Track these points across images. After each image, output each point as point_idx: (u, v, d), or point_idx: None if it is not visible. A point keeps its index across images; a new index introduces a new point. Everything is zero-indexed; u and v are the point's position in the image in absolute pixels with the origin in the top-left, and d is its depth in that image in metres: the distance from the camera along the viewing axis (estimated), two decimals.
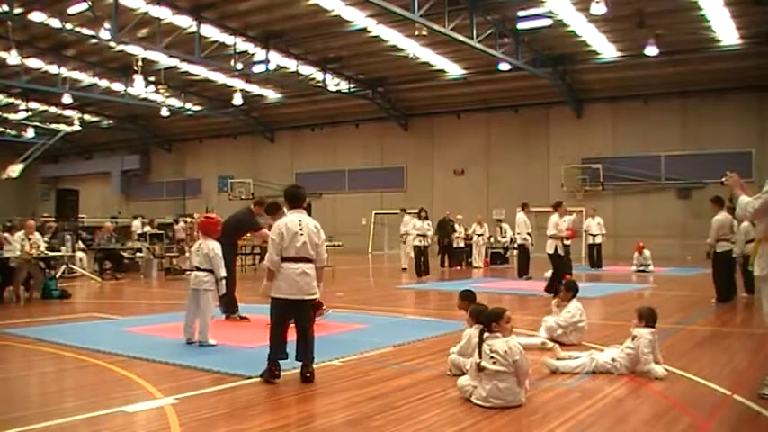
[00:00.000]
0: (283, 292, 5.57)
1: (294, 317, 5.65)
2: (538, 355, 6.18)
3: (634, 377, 5.57)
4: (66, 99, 29.14)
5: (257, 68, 24.47)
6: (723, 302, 10.73)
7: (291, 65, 25.04)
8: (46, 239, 13.98)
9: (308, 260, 5.65)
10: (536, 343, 6.74)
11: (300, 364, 5.58)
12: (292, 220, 5.67)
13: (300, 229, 5.62)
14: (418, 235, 16.71)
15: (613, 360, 5.71)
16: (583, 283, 11.38)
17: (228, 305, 8.84)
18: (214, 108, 32.48)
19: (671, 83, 24.15)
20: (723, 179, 5.26)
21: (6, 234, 11.98)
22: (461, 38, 19.13)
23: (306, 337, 5.62)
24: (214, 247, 7.16)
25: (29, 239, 11.69)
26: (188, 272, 12.00)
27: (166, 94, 28.55)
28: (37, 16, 19.49)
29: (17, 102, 32.50)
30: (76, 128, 35.14)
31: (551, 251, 11.68)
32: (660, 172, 25.26)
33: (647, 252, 18.31)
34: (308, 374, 5.51)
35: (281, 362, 5.54)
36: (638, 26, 19.74)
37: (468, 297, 6.24)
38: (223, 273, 7.18)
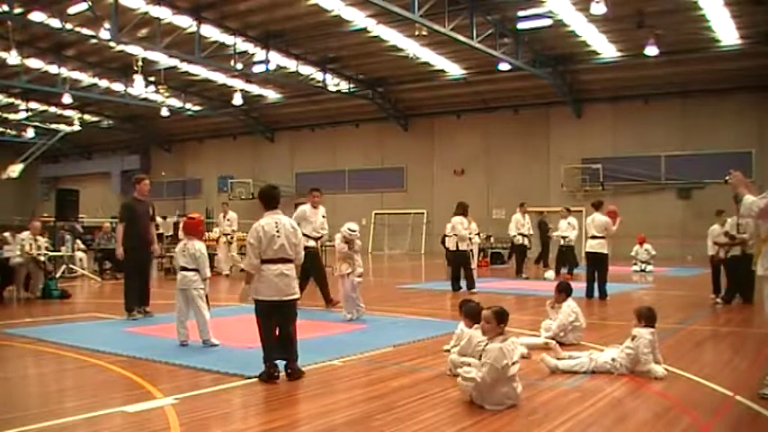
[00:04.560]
0: (263, 294, 5.60)
1: (277, 317, 5.66)
2: (537, 355, 6.18)
3: (634, 377, 5.57)
4: (66, 99, 29.11)
5: (257, 68, 24.47)
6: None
7: (291, 65, 25.02)
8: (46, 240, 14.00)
9: (287, 260, 5.66)
10: (538, 343, 6.76)
11: (284, 362, 5.59)
12: (269, 222, 5.67)
13: (277, 231, 5.64)
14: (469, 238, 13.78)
15: (613, 360, 5.71)
16: (582, 284, 11.38)
17: (137, 300, 9.06)
18: (214, 108, 32.47)
19: (671, 83, 24.14)
20: (727, 177, 5.24)
21: (7, 234, 11.99)
22: (461, 38, 19.12)
23: (288, 335, 5.63)
24: (200, 247, 7.22)
25: (35, 241, 11.74)
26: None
27: (166, 94, 28.53)
28: (37, 16, 19.48)
29: (17, 102, 32.49)
30: (76, 128, 35.12)
31: (606, 251, 11.34)
32: (660, 172, 25.25)
33: (647, 245, 18.29)
34: (290, 371, 5.52)
35: (277, 362, 5.54)
36: (638, 26, 19.73)
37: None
38: (208, 272, 7.27)
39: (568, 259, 16.48)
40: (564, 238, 16.45)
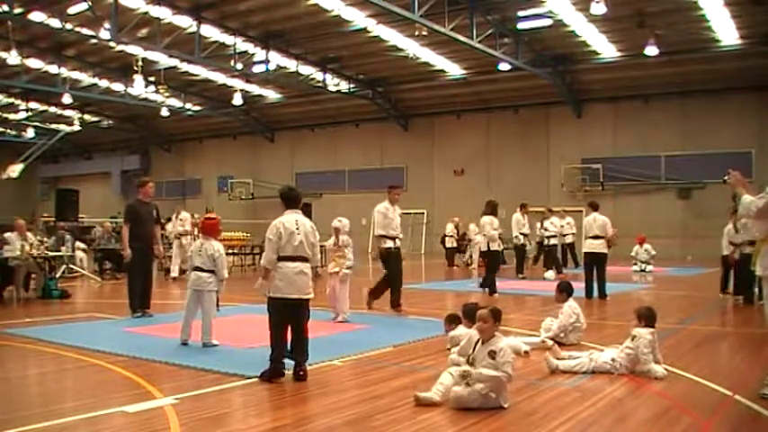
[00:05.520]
0: (282, 292, 5.60)
1: (291, 316, 5.66)
2: (536, 355, 6.18)
3: (634, 377, 5.57)
4: (66, 99, 29.15)
5: (257, 68, 24.48)
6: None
7: (291, 65, 25.03)
8: (46, 240, 14.00)
9: (305, 259, 5.70)
10: (537, 342, 6.76)
11: (293, 362, 5.59)
12: (289, 219, 5.72)
13: (297, 229, 5.68)
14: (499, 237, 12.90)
15: (613, 360, 5.71)
16: (581, 283, 11.38)
17: (138, 300, 9.21)
18: (214, 108, 32.48)
19: (671, 83, 24.14)
20: (725, 177, 5.25)
21: (7, 234, 11.98)
22: (461, 38, 19.12)
23: (301, 336, 5.64)
24: (219, 248, 7.20)
25: (25, 239, 11.73)
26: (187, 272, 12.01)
27: (166, 94, 28.54)
28: (37, 16, 19.50)
29: (17, 102, 32.50)
30: (76, 128, 35.13)
31: (605, 251, 11.40)
32: (660, 172, 25.26)
33: (647, 245, 18.28)
34: (302, 373, 5.53)
35: (287, 362, 5.55)
36: (638, 26, 19.73)
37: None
38: (226, 273, 7.31)
39: (554, 259, 16.64)
40: (548, 237, 16.68)
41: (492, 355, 4.75)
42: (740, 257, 10.50)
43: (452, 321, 6.75)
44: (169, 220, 20.36)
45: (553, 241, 16.81)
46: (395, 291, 9.83)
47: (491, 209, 12.64)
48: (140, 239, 9.30)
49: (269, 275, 5.70)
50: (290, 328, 5.66)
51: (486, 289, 12.14)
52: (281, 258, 5.63)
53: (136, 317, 9.09)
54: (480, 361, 4.80)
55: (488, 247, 12.46)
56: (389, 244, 9.58)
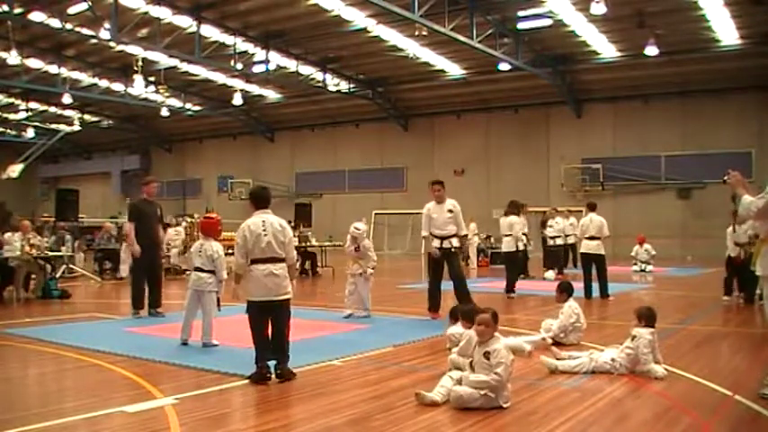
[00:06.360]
0: (253, 295, 5.58)
1: (270, 317, 5.64)
2: (539, 356, 6.18)
3: (634, 377, 5.57)
4: (66, 99, 29.12)
5: (257, 68, 24.46)
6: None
7: (291, 65, 25.02)
8: (45, 240, 14.01)
9: (277, 260, 5.62)
10: (536, 340, 6.77)
11: (275, 362, 5.56)
12: (255, 221, 5.67)
13: (264, 230, 5.61)
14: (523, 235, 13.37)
15: (613, 360, 5.71)
16: (582, 283, 11.37)
17: (141, 299, 9.23)
18: (214, 108, 32.47)
19: (671, 83, 24.15)
20: (725, 177, 5.24)
21: (8, 234, 12.00)
22: (461, 38, 19.12)
23: (279, 337, 5.61)
24: (218, 248, 7.21)
25: (28, 240, 11.77)
26: (188, 272, 12.01)
27: (166, 94, 28.52)
28: (37, 16, 19.48)
29: (17, 102, 32.48)
30: (76, 128, 35.11)
31: (603, 252, 11.43)
32: (660, 172, 25.26)
33: (647, 245, 18.27)
34: (279, 373, 5.48)
35: (269, 363, 5.54)
36: (638, 26, 19.73)
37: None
38: (225, 274, 7.29)
39: (556, 259, 16.63)
40: (552, 238, 16.69)
41: (486, 356, 4.79)
42: (745, 257, 10.45)
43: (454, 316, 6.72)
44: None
45: (558, 242, 16.77)
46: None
47: (516, 209, 12.59)
48: (146, 237, 9.27)
49: (239, 279, 5.71)
50: (271, 328, 5.65)
51: (508, 292, 12.03)
52: (252, 261, 5.59)
53: (137, 317, 9.07)
54: (477, 362, 4.83)
55: (517, 247, 12.45)
56: (435, 243, 8.91)
